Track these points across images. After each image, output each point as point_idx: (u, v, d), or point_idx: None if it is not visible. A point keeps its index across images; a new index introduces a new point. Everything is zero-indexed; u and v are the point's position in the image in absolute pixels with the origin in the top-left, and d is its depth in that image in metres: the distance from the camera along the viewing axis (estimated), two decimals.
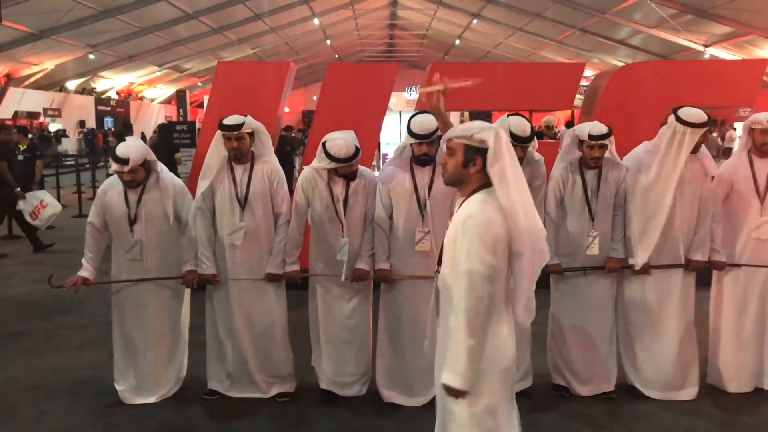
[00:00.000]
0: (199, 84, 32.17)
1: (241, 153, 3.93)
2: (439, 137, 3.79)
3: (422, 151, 3.78)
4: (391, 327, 4.02)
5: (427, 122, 3.71)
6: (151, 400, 4.07)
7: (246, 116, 3.91)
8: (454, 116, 22.34)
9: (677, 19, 17.36)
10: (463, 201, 2.45)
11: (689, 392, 4.10)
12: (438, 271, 2.52)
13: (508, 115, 3.83)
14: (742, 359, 4.14)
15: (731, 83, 6.45)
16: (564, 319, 4.10)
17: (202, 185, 3.96)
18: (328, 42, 29.40)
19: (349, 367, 4.09)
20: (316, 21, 24.14)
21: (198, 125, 10.74)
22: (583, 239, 3.98)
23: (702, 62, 12.80)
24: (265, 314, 4.06)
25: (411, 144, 3.81)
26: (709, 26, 17.29)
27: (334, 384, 4.10)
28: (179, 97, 26.26)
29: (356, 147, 3.81)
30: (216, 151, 3.97)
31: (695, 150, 3.87)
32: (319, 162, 3.86)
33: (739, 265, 4.07)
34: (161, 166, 4.03)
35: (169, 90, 32.53)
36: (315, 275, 4.05)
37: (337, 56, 32.90)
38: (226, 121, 3.88)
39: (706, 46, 18.99)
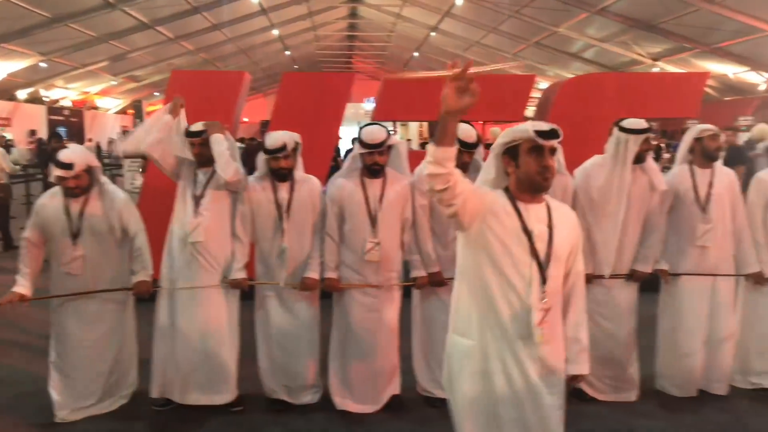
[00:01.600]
0: (156, 94, 31.74)
1: (204, 158, 3.95)
2: (389, 147, 3.86)
3: (373, 160, 3.83)
4: (342, 335, 4.05)
5: (377, 132, 3.78)
6: (94, 412, 3.98)
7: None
8: (412, 126, 22.56)
9: (627, 34, 17.88)
10: (547, 202, 2.42)
11: (633, 394, 4.22)
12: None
13: None
14: (687, 365, 4.24)
15: (675, 95, 6.68)
16: None
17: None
18: (287, 52, 29.38)
19: (299, 376, 4.09)
20: (275, 32, 24.11)
21: None
22: None
23: (647, 75, 13.22)
24: (215, 322, 4.02)
25: (361, 154, 3.86)
26: (657, 41, 17.85)
27: (285, 392, 4.10)
28: (135, 107, 25.86)
29: (285, 141, 3.87)
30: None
31: (641, 161, 4.00)
32: (259, 164, 3.99)
33: (683, 274, 4.18)
34: (105, 178, 3.99)
35: (125, 100, 32.01)
36: (259, 283, 4.06)
37: (296, 67, 32.88)
38: (191, 128, 3.94)
39: (654, 59, 19.58)
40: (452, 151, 2.14)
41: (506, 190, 2.36)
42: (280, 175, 3.94)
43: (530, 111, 9.38)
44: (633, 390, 4.23)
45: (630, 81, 7.36)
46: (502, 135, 2.34)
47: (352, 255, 3.93)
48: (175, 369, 4.01)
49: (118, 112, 34.63)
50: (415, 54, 29.72)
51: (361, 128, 3.87)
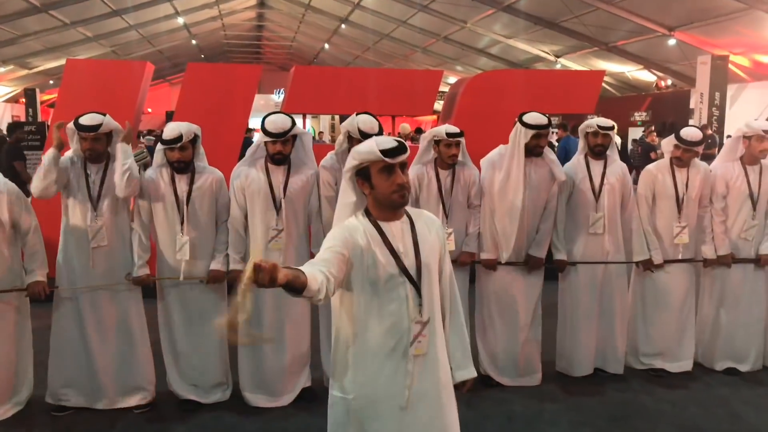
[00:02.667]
0: (51, 82, 30.02)
1: (96, 153, 3.78)
2: (294, 137, 3.85)
3: (276, 149, 3.81)
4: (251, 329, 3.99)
5: (281, 121, 3.77)
6: None
7: (104, 115, 3.76)
8: (324, 119, 22.46)
9: (531, 31, 18.52)
10: (408, 215, 2.39)
11: (536, 378, 4.42)
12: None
13: (357, 114, 3.94)
14: (583, 346, 4.48)
15: (574, 92, 7.00)
16: None
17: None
18: (194, 42, 28.51)
19: (206, 373, 4.02)
20: (180, 20, 23.33)
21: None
22: None
23: (549, 72, 13.76)
24: (121, 323, 3.90)
25: (265, 143, 3.83)
26: (559, 39, 18.60)
27: (193, 392, 4.01)
28: (28, 96, 24.34)
29: (181, 131, 3.77)
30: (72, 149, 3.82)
31: (537, 154, 4.18)
32: (158, 154, 3.90)
33: (579, 263, 4.40)
34: None
35: (15, 88, 30.07)
36: (163, 278, 3.96)
37: (203, 56, 31.97)
38: (84, 121, 3.70)
39: (557, 56, 20.39)
40: (309, 291, 2.00)
41: (366, 212, 2.31)
42: (178, 167, 3.85)
43: (438, 105, 9.57)
44: (536, 374, 4.42)
45: (532, 78, 7.66)
46: (351, 157, 2.28)
47: (256, 244, 3.89)
48: (81, 373, 3.86)
49: (7, 101, 32.49)
50: (326, 46, 29.58)
51: (264, 117, 3.83)
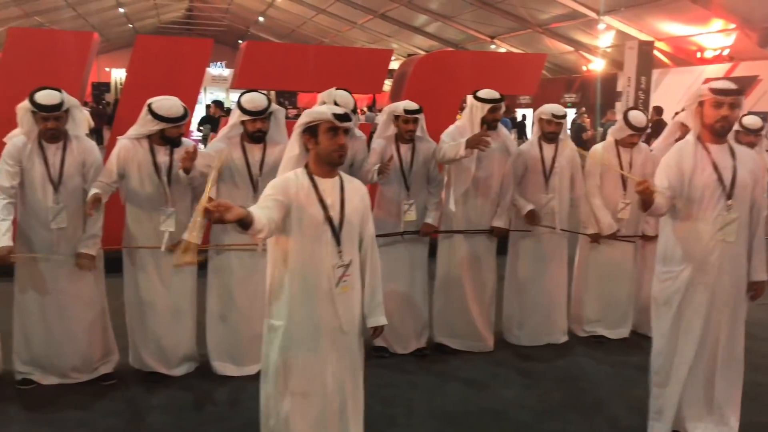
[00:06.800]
0: None
1: (58, 133, 3.71)
2: (270, 113, 3.93)
3: (256, 127, 3.89)
4: (221, 298, 4.10)
5: (258, 99, 3.86)
6: None
7: (61, 92, 3.67)
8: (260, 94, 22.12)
9: (466, 11, 18.81)
10: (340, 176, 2.79)
11: (490, 344, 4.69)
12: None
13: (336, 89, 4.18)
14: (533, 316, 4.79)
15: (517, 74, 7.28)
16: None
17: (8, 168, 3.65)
18: (121, 10, 27.38)
19: (176, 346, 4.08)
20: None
21: None
22: (400, 206, 4.38)
23: (494, 54, 14.12)
24: (83, 296, 3.89)
25: (243, 121, 3.89)
26: (494, 19, 18.98)
27: (162, 364, 4.06)
28: None
29: (184, 108, 3.85)
30: (23, 127, 3.70)
31: (494, 128, 4.40)
32: (143, 126, 3.85)
33: (525, 230, 4.71)
34: None
35: None
36: (139, 247, 3.97)
37: (131, 26, 30.77)
38: (42, 100, 3.59)
39: (492, 38, 20.81)
40: (254, 229, 2.44)
41: (306, 166, 2.71)
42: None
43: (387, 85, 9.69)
44: (489, 340, 4.69)
45: (478, 59, 7.89)
46: (304, 115, 2.69)
47: None
48: (49, 346, 3.85)
49: None
50: (261, 19, 29.04)
51: (241, 95, 3.90)
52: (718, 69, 15.13)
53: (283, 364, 2.72)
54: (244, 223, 2.37)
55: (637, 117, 4.66)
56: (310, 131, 2.66)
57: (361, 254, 2.82)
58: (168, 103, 3.82)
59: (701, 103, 3.16)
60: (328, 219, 2.68)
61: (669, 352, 3.31)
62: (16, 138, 3.76)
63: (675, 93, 15.34)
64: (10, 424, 3.54)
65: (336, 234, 2.69)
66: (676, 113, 4.78)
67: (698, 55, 15.78)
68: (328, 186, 2.71)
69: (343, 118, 2.63)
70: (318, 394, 2.74)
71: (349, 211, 2.72)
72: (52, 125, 3.64)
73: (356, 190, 2.79)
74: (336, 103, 3.93)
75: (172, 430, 3.54)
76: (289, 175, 2.70)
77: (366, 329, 2.87)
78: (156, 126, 3.80)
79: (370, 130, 5.33)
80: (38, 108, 3.60)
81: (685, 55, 16.30)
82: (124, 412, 3.70)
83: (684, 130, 4.66)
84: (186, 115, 3.85)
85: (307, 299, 2.69)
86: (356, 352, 2.85)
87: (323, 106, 2.66)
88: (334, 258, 2.69)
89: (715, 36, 14.80)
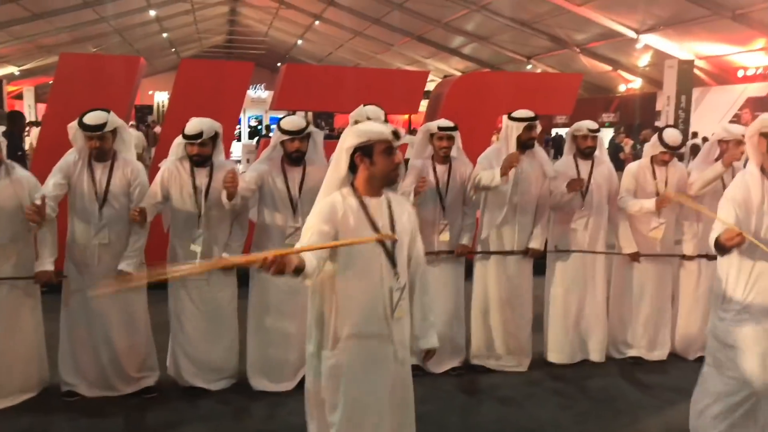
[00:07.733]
0: (16, 73, 29.39)
1: (103, 152, 3.88)
2: (309, 135, 4.04)
3: (295, 147, 3.99)
4: (260, 316, 4.18)
5: (297, 120, 4.01)
6: (8, 404, 3.87)
7: (108, 112, 3.85)
8: (299, 116, 22.40)
9: (504, 32, 18.88)
10: (386, 196, 2.68)
11: (525, 364, 4.67)
12: None
13: (364, 105, 4.28)
14: (567, 335, 4.75)
15: (553, 94, 7.28)
16: None
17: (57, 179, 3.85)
18: (165, 35, 28.22)
19: (216, 362, 4.17)
20: (152, 12, 23.13)
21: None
22: (436, 226, 4.42)
23: (529, 74, 14.17)
24: (126, 312, 4.02)
25: (283, 141, 4.01)
26: (531, 40, 19.01)
27: (200, 378, 4.16)
28: None
29: (205, 127, 3.93)
30: (76, 144, 3.89)
31: (530, 147, 4.44)
32: (177, 149, 4.03)
33: (566, 251, 4.68)
34: (10, 161, 3.85)
35: None
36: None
37: (174, 50, 31.68)
38: (89, 121, 3.79)
39: (528, 58, 20.82)
40: (305, 274, 2.36)
41: (352, 185, 2.58)
42: (197, 161, 4.00)
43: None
44: (525, 360, 4.67)
45: (513, 79, 7.93)
46: (355, 134, 2.54)
47: (272, 241, 4.06)
48: (94, 360, 3.99)
49: None
50: (299, 42, 29.59)
51: (280, 119, 4.04)
52: (760, 87, 14.86)
53: (330, 397, 2.60)
54: (297, 270, 2.29)
55: (672, 135, 4.61)
56: (364, 151, 2.53)
57: (410, 274, 2.71)
58: (192, 122, 3.96)
59: (764, 135, 3.11)
60: (380, 241, 2.56)
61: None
62: (68, 154, 3.96)
63: (715, 112, 15.10)
64: None
65: (390, 255, 2.57)
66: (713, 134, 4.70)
67: (739, 74, 15.53)
68: (377, 206, 2.59)
69: (400, 136, 2.53)
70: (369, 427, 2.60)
71: (399, 230, 2.61)
72: (96, 144, 3.83)
73: (403, 208, 2.69)
74: (368, 118, 4.02)
75: None
76: (334, 198, 2.56)
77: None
78: (181, 143, 3.98)
79: (405, 150, 5.40)
80: (83, 128, 3.80)
81: (725, 74, 16.06)
82: (166, 424, 3.80)
83: (723, 147, 4.61)
84: (201, 135, 3.92)
85: (360, 326, 2.55)
86: (409, 383, 2.72)
87: (377, 124, 2.57)
88: (390, 281, 2.56)
89: (756, 54, 14.56)
